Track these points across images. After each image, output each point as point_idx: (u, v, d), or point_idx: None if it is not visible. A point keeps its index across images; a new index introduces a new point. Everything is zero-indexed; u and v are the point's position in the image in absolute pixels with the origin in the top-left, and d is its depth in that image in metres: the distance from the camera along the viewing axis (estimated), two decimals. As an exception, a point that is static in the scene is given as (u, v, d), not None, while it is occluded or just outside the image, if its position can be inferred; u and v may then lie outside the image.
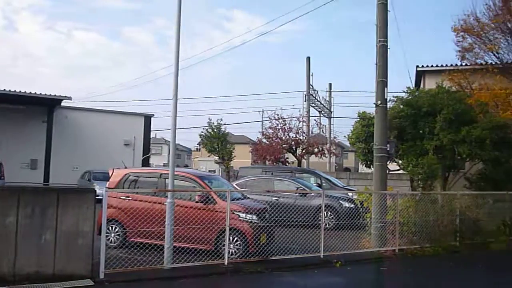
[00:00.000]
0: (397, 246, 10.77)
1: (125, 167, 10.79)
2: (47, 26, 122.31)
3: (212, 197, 9.30)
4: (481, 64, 19.21)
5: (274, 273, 8.38)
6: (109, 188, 9.98)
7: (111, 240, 9.75)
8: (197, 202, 9.23)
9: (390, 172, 19.86)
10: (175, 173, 9.02)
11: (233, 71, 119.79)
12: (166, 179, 9.23)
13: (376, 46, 11.65)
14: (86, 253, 7.25)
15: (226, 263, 8.43)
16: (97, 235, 7.77)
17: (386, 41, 11.60)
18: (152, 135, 33.07)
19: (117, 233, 9.80)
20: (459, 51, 19.49)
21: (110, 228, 9.72)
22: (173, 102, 8.54)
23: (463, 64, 20.00)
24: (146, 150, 28.33)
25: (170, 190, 8.39)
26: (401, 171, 18.29)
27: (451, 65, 20.73)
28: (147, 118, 28.70)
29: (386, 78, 11.55)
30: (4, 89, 21.01)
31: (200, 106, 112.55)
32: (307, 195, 13.87)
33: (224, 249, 8.62)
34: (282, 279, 8.10)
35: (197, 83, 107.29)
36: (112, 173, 10.52)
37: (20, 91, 21.46)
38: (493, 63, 18.97)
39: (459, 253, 11.27)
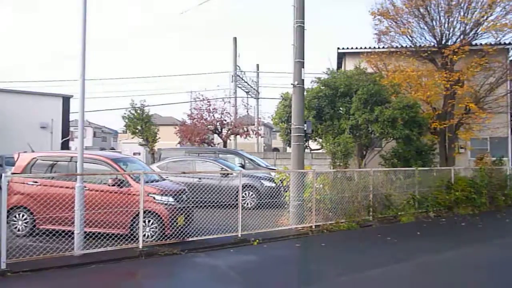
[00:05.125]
0: (313, 222, 11.12)
1: (32, 151, 10.19)
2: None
3: (126, 180, 9.05)
4: (396, 47, 20.11)
5: (190, 254, 8.35)
6: (14, 173, 9.43)
7: (19, 228, 9.24)
8: (110, 185, 8.95)
9: (312, 151, 20.47)
10: (87, 156, 8.69)
11: (161, 49, 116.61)
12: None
13: (294, 27, 11.78)
14: (-16, 243, 6.81)
15: (140, 247, 8.27)
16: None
17: (303, 22, 11.75)
18: (75, 117, 31.48)
19: (25, 221, 9.29)
20: (376, 34, 20.28)
21: (17, 215, 9.23)
22: (81, 81, 8.11)
23: (380, 46, 20.84)
24: (66, 132, 27.02)
25: (78, 174, 8.04)
26: (322, 150, 18.86)
27: (369, 48, 21.53)
28: (66, 99, 27.33)
29: (303, 59, 11.74)
30: None
31: (126, 86, 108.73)
32: (229, 175, 13.92)
33: (139, 232, 8.44)
34: (196, 259, 8.08)
35: (122, 61, 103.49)
36: (18, 158, 9.90)
37: None
38: (407, 46, 19.94)
39: (371, 227, 11.86)
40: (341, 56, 24.12)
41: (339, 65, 25.38)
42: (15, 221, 9.23)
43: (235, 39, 33.57)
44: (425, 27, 19.31)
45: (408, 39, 19.76)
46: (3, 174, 7.32)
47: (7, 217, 7.54)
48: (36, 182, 9.26)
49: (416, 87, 18.81)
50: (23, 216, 9.28)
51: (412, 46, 19.66)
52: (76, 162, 8.80)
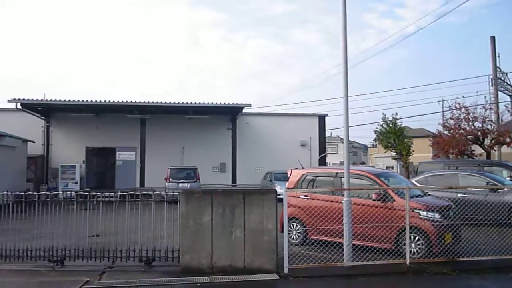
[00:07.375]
0: None
1: (302, 167, 11.25)
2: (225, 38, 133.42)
3: (390, 195, 9.11)
4: None
5: (462, 275, 7.82)
6: (288, 188, 10.57)
7: (293, 237, 10.28)
8: (374, 200, 9.15)
9: None
10: (351, 171, 9.09)
11: (407, 60, 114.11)
12: (342, 178, 9.32)
13: None
14: (270, 249, 7.83)
15: (407, 263, 8.16)
16: (280, 232, 8.28)
17: None
18: (327, 134, 33.57)
19: (298, 231, 10.29)
20: None
21: (291, 226, 10.26)
22: (344, 101, 8.60)
23: None
24: (322, 149, 28.92)
25: (346, 189, 8.50)
26: None
27: None
28: (321, 118, 29.28)
29: None
30: (195, 102, 23.83)
31: (374, 101, 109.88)
32: (499, 190, 12.52)
33: (404, 248, 8.36)
34: (471, 282, 7.50)
35: (369, 77, 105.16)
36: (291, 174, 11.09)
37: (208, 103, 24.08)
38: None
39: None
40: None
41: None
42: (289, 231, 10.29)
43: (492, 38, 30.25)
44: None
45: None
46: (284, 189, 8.32)
47: (283, 227, 8.47)
48: (306, 196, 10.19)
49: None
50: (296, 226, 10.31)
51: None
52: (341, 177, 9.36)
